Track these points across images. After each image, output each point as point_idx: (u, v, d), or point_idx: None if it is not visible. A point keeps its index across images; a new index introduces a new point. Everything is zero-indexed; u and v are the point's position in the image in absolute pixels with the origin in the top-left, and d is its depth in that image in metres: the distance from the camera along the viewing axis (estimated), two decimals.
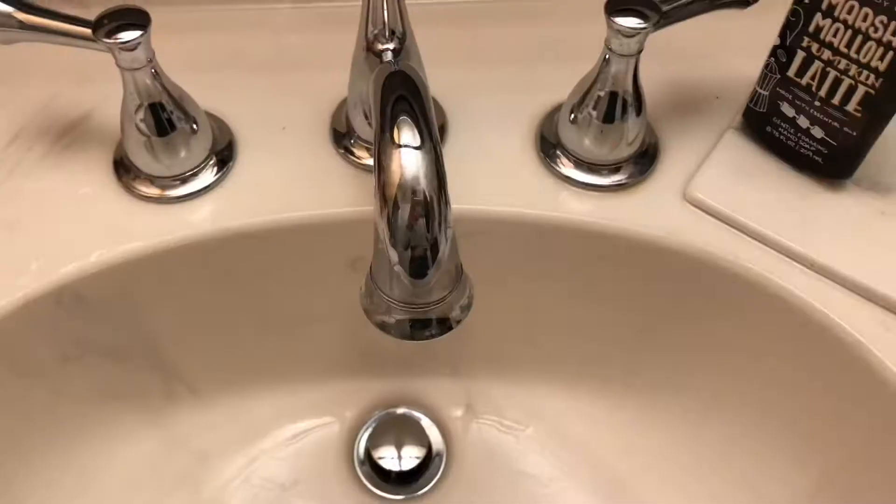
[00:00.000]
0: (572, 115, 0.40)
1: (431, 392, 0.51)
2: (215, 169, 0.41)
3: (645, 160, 0.42)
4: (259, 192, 0.40)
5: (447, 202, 0.27)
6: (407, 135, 0.27)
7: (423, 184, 0.27)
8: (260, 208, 0.40)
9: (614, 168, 0.41)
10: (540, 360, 0.48)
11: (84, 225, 0.39)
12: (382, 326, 0.29)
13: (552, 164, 0.41)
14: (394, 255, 0.27)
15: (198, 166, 0.40)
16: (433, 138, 0.27)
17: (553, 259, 0.42)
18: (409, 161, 0.27)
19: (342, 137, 0.42)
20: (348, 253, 0.43)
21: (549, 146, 0.42)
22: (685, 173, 0.41)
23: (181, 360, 0.45)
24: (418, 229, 0.27)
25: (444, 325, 0.29)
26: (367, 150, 0.42)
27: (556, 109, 0.43)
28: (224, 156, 0.41)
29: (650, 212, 0.40)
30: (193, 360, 0.46)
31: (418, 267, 0.27)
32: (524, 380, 0.50)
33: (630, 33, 0.35)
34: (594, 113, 0.39)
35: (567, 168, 0.41)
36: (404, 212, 0.27)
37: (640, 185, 0.41)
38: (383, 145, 0.27)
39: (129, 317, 0.42)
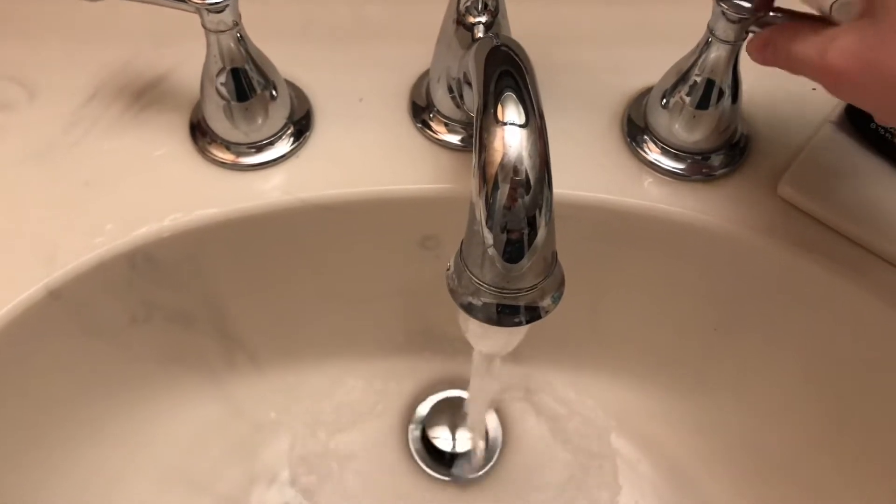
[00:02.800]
0: (664, 100, 0.39)
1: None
2: (292, 139, 0.40)
3: (735, 151, 0.40)
4: (334, 164, 0.40)
5: (550, 185, 0.26)
6: (511, 112, 0.26)
7: (526, 164, 0.25)
8: (334, 181, 0.39)
9: (703, 157, 0.39)
10: (605, 349, 0.47)
11: (159, 187, 0.38)
12: (468, 308, 0.28)
13: (638, 149, 0.40)
14: (489, 237, 0.26)
15: (275, 135, 0.40)
16: (539, 116, 0.26)
17: (631, 247, 0.41)
18: (512, 139, 0.26)
19: (421, 111, 0.41)
20: (420, 231, 0.42)
21: (636, 130, 0.40)
22: (777, 167, 0.40)
23: (244, 329, 0.45)
24: (517, 211, 0.26)
25: (534, 312, 0.28)
26: (446, 125, 0.40)
27: (646, 92, 0.41)
28: (301, 126, 0.40)
29: (739, 205, 0.39)
30: (256, 329, 0.45)
31: (514, 251, 0.26)
32: (587, 369, 0.48)
33: (736, 18, 0.34)
34: (687, 99, 0.38)
35: (654, 154, 0.40)
36: (504, 192, 0.26)
37: (730, 176, 0.39)
38: (486, 122, 0.26)
39: (197, 282, 0.41)
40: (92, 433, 0.42)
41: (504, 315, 0.28)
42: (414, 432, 0.49)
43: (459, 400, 0.50)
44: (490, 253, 0.26)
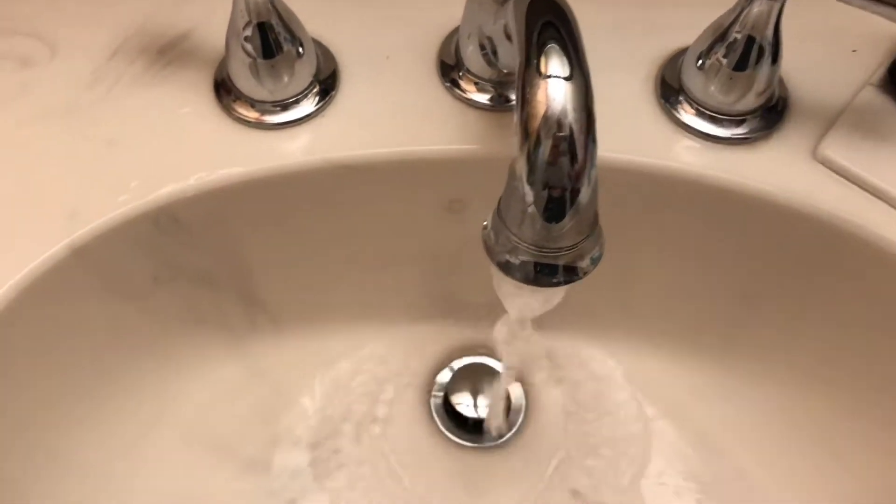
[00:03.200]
0: (699, 61, 0.38)
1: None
2: (317, 98, 0.39)
3: (773, 114, 0.39)
4: (360, 124, 0.39)
5: (594, 140, 0.25)
6: (555, 64, 0.25)
7: (570, 118, 0.25)
8: (360, 141, 0.38)
9: (739, 120, 0.38)
10: (633, 319, 0.47)
11: (183, 145, 0.38)
12: (504, 267, 0.28)
13: (672, 111, 0.39)
14: (529, 194, 0.25)
15: (301, 93, 0.39)
16: (583, 69, 0.25)
17: (663, 212, 0.40)
18: (556, 92, 0.25)
19: (450, 70, 0.40)
20: (446, 193, 0.41)
21: (670, 91, 0.39)
22: (816, 130, 0.38)
23: (266, 291, 0.44)
24: (561, 168, 0.25)
25: (573, 273, 0.27)
26: (476, 84, 0.39)
27: (680, 53, 0.40)
28: (327, 84, 0.40)
29: (775, 169, 0.38)
30: (278, 291, 0.45)
31: (555, 209, 0.25)
32: (613, 336, 0.48)
33: None
34: (724, 60, 0.36)
35: (688, 115, 0.39)
36: (546, 148, 0.25)
37: (767, 139, 0.38)
38: (528, 75, 0.25)
39: (221, 243, 0.41)
40: (114, 393, 0.41)
41: (542, 275, 0.27)
42: (436, 398, 0.48)
43: (482, 366, 0.49)
44: (530, 211, 0.26)
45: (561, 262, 0.27)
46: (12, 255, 0.34)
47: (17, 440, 0.37)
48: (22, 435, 0.37)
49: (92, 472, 0.40)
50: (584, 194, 0.25)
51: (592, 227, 0.27)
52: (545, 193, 0.25)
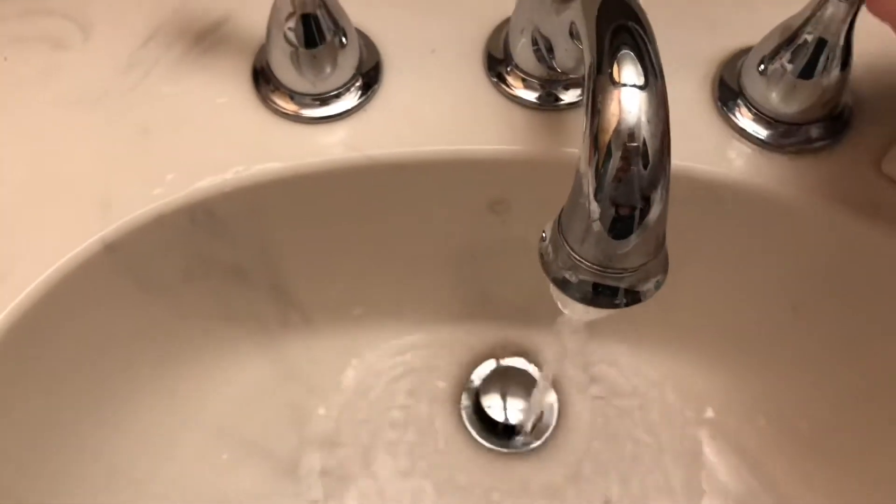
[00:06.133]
0: (761, 66, 0.36)
1: (549, 347, 0.48)
2: (359, 93, 0.37)
3: (838, 123, 0.37)
4: (402, 120, 0.37)
5: (669, 156, 0.23)
6: (629, 72, 0.23)
7: (644, 131, 0.23)
8: (402, 138, 0.37)
9: (801, 127, 0.37)
10: (674, 327, 0.45)
11: (220, 137, 0.36)
12: (561, 284, 0.26)
13: (730, 115, 0.37)
14: (595, 210, 0.24)
15: (343, 86, 0.37)
16: (660, 77, 0.23)
17: (716, 219, 0.39)
18: (630, 103, 0.23)
19: (497, 64, 0.38)
20: (489, 194, 0.40)
21: (728, 94, 0.37)
22: (882, 140, 0.37)
23: (299, 288, 0.43)
24: (631, 185, 0.23)
25: (633, 296, 0.26)
26: (524, 80, 0.38)
27: (741, 53, 0.38)
28: (370, 78, 0.38)
29: (838, 181, 0.36)
30: (312, 288, 0.44)
31: (622, 227, 0.24)
32: (653, 346, 0.46)
33: None
34: (789, 66, 0.35)
35: (746, 120, 0.37)
36: (618, 162, 0.23)
37: (830, 149, 0.37)
38: (600, 83, 0.23)
39: (255, 238, 0.39)
40: (142, 390, 0.41)
41: (601, 295, 0.26)
42: (467, 401, 0.47)
43: (514, 370, 0.48)
44: (595, 228, 0.24)
45: (624, 284, 0.25)
46: (44, 249, 0.33)
47: (45, 439, 0.36)
48: (50, 433, 0.36)
49: (119, 469, 0.39)
50: (655, 212, 0.24)
51: (659, 249, 0.25)
52: (613, 211, 0.24)
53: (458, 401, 0.47)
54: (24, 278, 0.32)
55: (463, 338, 0.48)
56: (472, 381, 0.48)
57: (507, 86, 0.38)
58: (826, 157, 0.37)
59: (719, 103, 0.37)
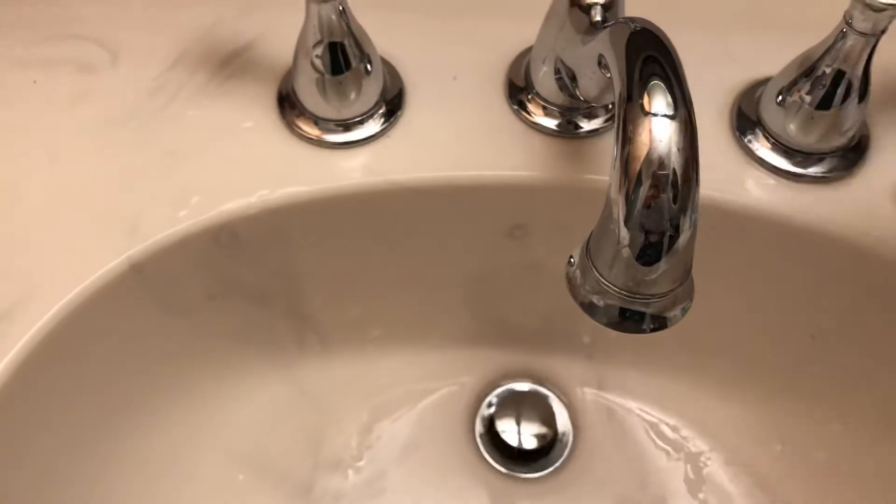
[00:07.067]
0: (779, 97, 0.36)
1: (564, 372, 0.48)
2: (383, 119, 0.38)
3: (854, 153, 0.37)
4: (424, 146, 0.38)
5: (698, 184, 0.24)
6: (659, 102, 0.24)
7: (674, 160, 0.23)
8: (424, 164, 0.37)
9: (818, 157, 0.37)
10: (689, 351, 0.45)
11: (245, 161, 0.37)
12: (588, 308, 0.27)
13: (748, 145, 0.38)
14: (624, 236, 0.24)
15: (366, 112, 0.38)
16: (688, 106, 0.24)
17: (732, 247, 0.39)
18: (660, 132, 0.23)
19: (518, 91, 0.39)
20: (509, 219, 0.40)
21: (746, 124, 0.38)
22: None
23: (318, 311, 0.44)
24: (661, 211, 0.24)
25: (660, 322, 0.26)
26: (544, 108, 0.38)
27: (758, 84, 0.39)
28: (393, 104, 0.39)
29: (854, 210, 0.36)
30: (330, 312, 0.44)
31: (652, 253, 0.24)
32: (668, 371, 0.47)
33: (881, 7, 0.31)
34: (808, 98, 0.35)
35: (763, 150, 0.37)
36: (648, 190, 0.24)
37: (846, 179, 0.37)
38: (631, 113, 0.24)
39: (277, 261, 0.40)
40: (161, 409, 0.41)
41: (628, 321, 0.26)
42: (481, 425, 0.47)
43: (528, 394, 0.48)
44: (624, 253, 0.24)
45: (651, 310, 0.26)
46: (72, 267, 0.34)
47: (61, 456, 0.36)
48: (67, 450, 0.36)
49: (136, 489, 0.39)
50: (684, 239, 0.24)
51: (686, 276, 0.25)
52: (642, 238, 0.24)
53: (473, 425, 0.47)
54: (53, 296, 0.33)
55: (479, 362, 0.48)
56: (487, 406, 0.48)
57: (528, 113, 0.38)
58: (843, 187, 0.37)
59: (738, 133, 0.38)
